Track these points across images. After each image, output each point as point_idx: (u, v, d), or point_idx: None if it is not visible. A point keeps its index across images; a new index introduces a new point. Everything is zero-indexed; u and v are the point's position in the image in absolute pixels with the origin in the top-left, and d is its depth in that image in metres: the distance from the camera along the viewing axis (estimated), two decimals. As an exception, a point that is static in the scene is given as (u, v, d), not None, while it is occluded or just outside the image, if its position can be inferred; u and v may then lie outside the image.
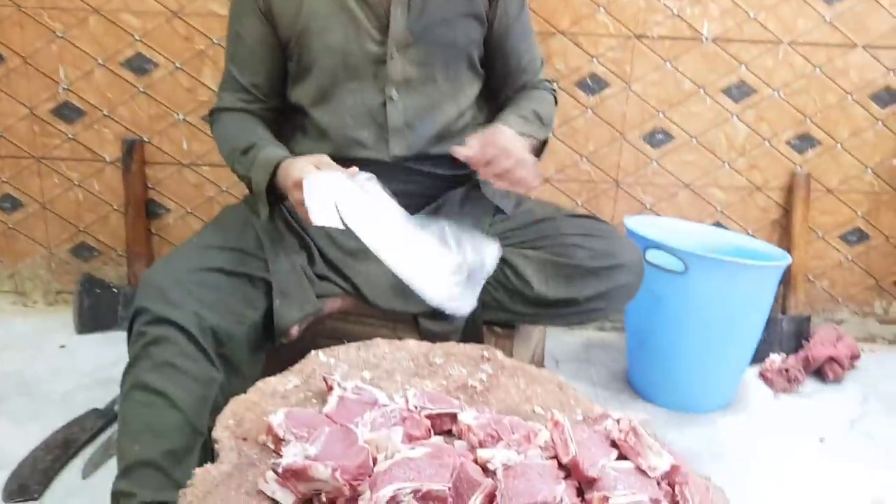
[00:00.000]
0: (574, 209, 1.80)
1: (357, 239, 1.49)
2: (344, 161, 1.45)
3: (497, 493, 0.93)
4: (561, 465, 1.01)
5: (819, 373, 2.14)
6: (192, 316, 1.25)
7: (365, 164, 1.46)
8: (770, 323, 2.01)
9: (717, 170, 2.19)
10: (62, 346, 2.10)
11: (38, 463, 1.61)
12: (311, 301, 1.44)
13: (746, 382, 2.07)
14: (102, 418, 1.76)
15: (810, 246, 2.25)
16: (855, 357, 2.16)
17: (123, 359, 1.94)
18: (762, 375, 2.12)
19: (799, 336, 2.20)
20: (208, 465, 1.07)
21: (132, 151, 2.10)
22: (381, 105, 1.47)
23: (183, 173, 2.17)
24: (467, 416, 1.12)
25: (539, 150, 1.54)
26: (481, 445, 1.06)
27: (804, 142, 2.17)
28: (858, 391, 2.11)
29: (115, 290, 2.19)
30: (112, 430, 1.72)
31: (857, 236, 2.27)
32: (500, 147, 1.33)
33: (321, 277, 1.49)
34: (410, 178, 1.51)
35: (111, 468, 1.61)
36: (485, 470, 0.99)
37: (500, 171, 1.33)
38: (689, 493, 1.03)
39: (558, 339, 2.26)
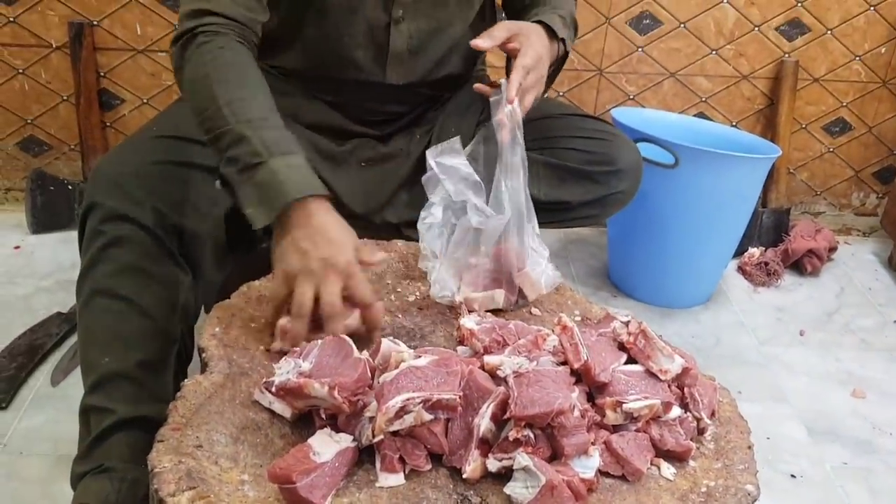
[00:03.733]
0: (577, 108, 1.68)
1: (336, 144, 1.40)
2: (329, 80, 1.34)
3: (510, 401, 0.89)
4: (571, 371, 0.98)
5: (797, 266, 2.14)
6: (152, 213, 1.13)
7: (356, 86, 1.36)
8: (751, 216, 1.99)
9: (704, 58, 2.11)
10: (16, 248, 1.99)
11: (2, 371, 1.53)
12: None
13: (726, 276, 2.07)
14: (67, 322, 1.68)
15: (793, 137, 2.21)
16: (832, 249, 2.17)
17: (83, 259, 1.90)
18: (741, 269, 2.12)
19: (778, 229, 2.19)
20: (198, 376, 1.01)
21: (80, 36, 1.93)
22: (384, 26, 1.30)
23: (137, 60, 2.02)
24: (469, 321, 1.07)
25: (562, 61, 1.41)
26: (486, 352, 1.02)
27: (793, 28, 2.10)
28: (835, 283, 2.12)
29: (69, 185, 2.06)
30: (80, 335, 1.64)
31: (839, 127, 2.24)
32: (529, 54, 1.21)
33: None
34: (403, 100, 1.41)
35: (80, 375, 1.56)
36: (494, 377, 0.95)
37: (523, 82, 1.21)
38: (698, 394, 1.02)
39: (536, 236, 2.21)
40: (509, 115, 1.16)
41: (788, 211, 2.21)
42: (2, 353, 1.58)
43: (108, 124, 2.08)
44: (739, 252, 2.10)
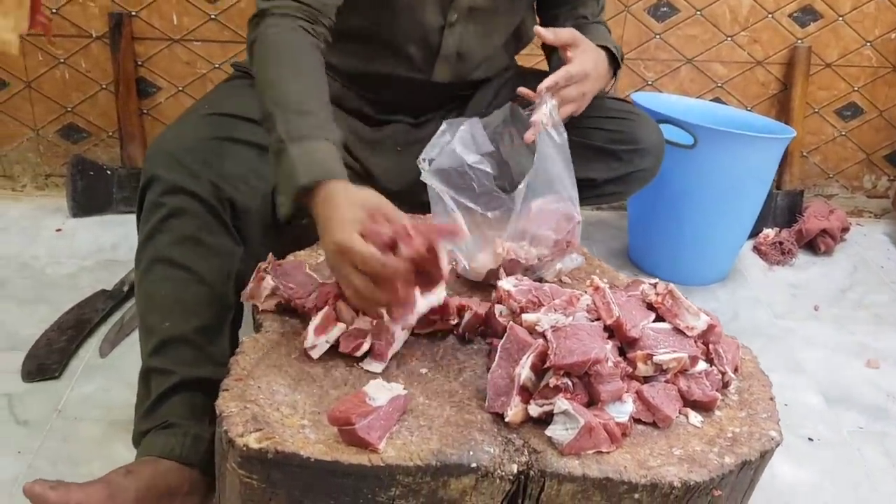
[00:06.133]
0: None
1: (373, 129, 1.47)
2: (374, 76, 1.41)
3: (549, 352, 0.95)
4: (603, 328, 1.04)
5: (811, 246, 2.20)
6: (210, 186, 1.19)
7: (400, 81, 1.43)
8: (765, 198, 2.05)
9: (720, 44, 2.17)
10: (58, 230, 2.06)
11: (53, 343, 1.61)
12: None
13: (742, 256, 2.13)
14: (112, 299, 1.75)
15: (806, 121, 2.27)
16: (845, 230, 2.23)
17: (124, 241, 1.99)
18: (757, 249, 2.18)
19: (792, 210, 2.25)
20: (255, 335, 1.08)
21: (120, 26, 2.01)
22: (438, 28, 1.36)
23: (174, 49, 2.09)
24: (507, 283, 1.13)
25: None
26: (523, 311, 1.09)
27: (806, 15, 2.16)
28: (848, 262, 2.19)
29: (108, 171, 2.13)
30: (125, 310, 1.72)
31: (851, 111, 2.30)
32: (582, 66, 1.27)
33: None
34: (441, 96, 1.48)
35: (127, 347, 1.64)
36: (532, 333, 1.02)
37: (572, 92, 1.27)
38: (722, 350, 1.08)
39: (557, 219, 2.28)
40: (547, 115, 1.21)
41: (802, 193, 2.28)
42: (51, 328, 1.65)
43: (144, 111, 2.16)
44: (755, 233, 2.16)
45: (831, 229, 2.16)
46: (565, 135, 1.23)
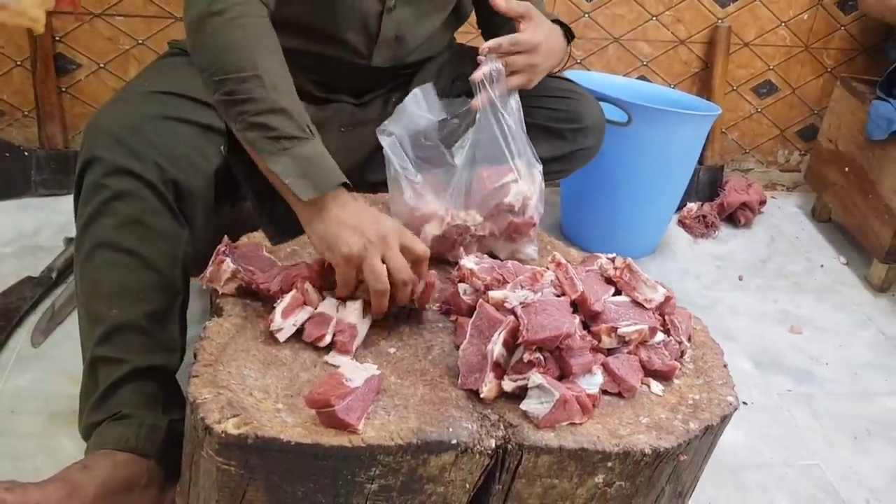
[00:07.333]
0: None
1: (316, 110, 1.45)
2: (313, 57, 1.37)
3: (521, 328, 0.97)
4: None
5: (731, 218, 2.30)
6: (154, 167, 1.14)
7: (339, 65, 1.40)
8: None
9: (645, 23, 2.23)
10: (-27, 215, 1.95)
11: (-20, 334, 1.53)
12: None
13: (668, 230, 2.20)
14: (40, 286, 1.67)
15: (725, 98, 2.35)
16: (762, 203, 2.34)
17: (46, 226, 1.91)
18: (682, 222, 2.26)
19: (713, 185, 2.34)
20: (217, 319, 1.06)
21: (35, -1, 1.91)
22: (376, 14, 1.33)
23: (95, 24, 1.99)
24: (469, 262, 1.14)
25: None
26: (488, 289, 1.10)
27: (727, -6, 2.25)
28: (766, 234, 2.30)
29: (25, 152, 2.03)
30: (55, 297, 1.65)
31: (767, 89, 2.40)
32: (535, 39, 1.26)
33: None
34: (381, 79, 1.47)
35: (61, 336, 1.57)
36: (499, 309, 1.03)
37: (523, 63, 1.26)
38: (677, 321, 1.12)
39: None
40: (488, 75, 1.20)
41: (722, 168, 2.37)
42: (-24, 318, 1.57)
43: (63, 90, 2.05)
44: (679, 207, 2.24)
45: (750, 202, 2.27)
46: (516, 103, 1.23)
